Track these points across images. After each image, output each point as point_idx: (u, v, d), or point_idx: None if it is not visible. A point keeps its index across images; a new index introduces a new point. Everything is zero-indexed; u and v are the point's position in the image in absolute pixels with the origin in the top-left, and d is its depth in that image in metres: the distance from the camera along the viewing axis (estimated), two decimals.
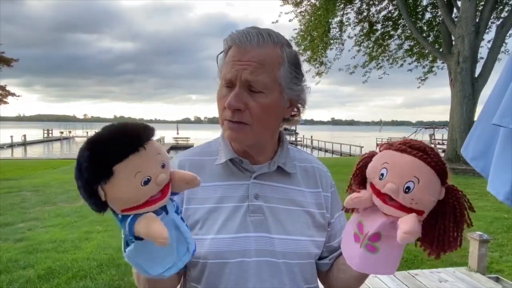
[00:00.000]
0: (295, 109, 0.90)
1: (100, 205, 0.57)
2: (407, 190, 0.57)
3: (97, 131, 0.58)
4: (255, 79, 0.78)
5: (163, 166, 0.59)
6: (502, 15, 14.19)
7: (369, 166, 0.64)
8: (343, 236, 0.74)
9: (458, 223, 0.60)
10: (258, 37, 0.80)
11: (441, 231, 0.60)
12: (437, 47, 15.14)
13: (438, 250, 0.61)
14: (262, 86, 0.79)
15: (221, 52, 0.86)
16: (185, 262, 0.65)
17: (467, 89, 12.51)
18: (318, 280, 0.96)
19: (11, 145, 33.04)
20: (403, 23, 16.64)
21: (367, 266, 0.67)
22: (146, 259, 0.62)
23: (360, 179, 0.68)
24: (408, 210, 0.58)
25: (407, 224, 0.55)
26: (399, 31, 17.27)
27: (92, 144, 0.55)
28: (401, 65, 17.80)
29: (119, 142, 0.55)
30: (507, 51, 14.13)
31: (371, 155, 0.66)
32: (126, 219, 0.58)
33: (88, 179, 0.54)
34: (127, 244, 0.63)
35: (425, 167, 0.57)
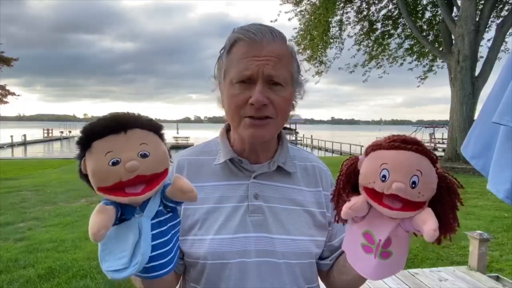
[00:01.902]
0: (293, 102, 0.90)
1: (88, 182, 0.60)
2: (413, 185, 0.57)
3: None
4: (277, 74, 0.79)
5: (143, 156, 0.59)
6: (502, 14, 14.18)
7: (364, 171, 0.62)
8: (349, 250, 0.70)
9: (453, 204, 0.61)
10: (271, 32, 0.81)
11: (442, 215, 0.60)
12: (437, 46, 15.14)
13: (441, 234, 0.60)
14: (282, 80, 0.81)
15: (222, 49, 0.84)
16: (131, 273, 0.59)
17: (467, 88, 12.51)
18: (319, 279, 0.96)
19: (11, 145, 33.04)
20: (403, 22, 16.63)
21: (384, 272, 0.66)
22: (108, 249, 0.60)
23: (347, 187, 0.65)
24: (412, 207, 0.58)
25: (431, 221, 0.56)
26: (399, 30, 17.26)
27: (87, 125, 0.60)
28: (401, 64, 17.80)
29: (104, 123, 0.59)
30: (507, 50, 14.13)
31: (355, 160, 0.65)
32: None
33: (78, 156, 0.60)
34: None
35: (423, 159, 0.59)
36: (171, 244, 0.65)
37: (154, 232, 0.62)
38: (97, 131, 0.59)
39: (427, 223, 0.56)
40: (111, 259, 0.60)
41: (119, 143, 0.58)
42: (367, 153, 0.63)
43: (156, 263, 0.62)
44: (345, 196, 0.64)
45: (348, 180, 0.65)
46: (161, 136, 0.65)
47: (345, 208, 0.62)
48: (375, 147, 0.62)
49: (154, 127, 0.63)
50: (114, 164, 0.57)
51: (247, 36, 0.79)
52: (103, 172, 0.57)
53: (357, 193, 0.64)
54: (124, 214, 0.61)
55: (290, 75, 0.83)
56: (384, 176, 0.59)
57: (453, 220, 0.61)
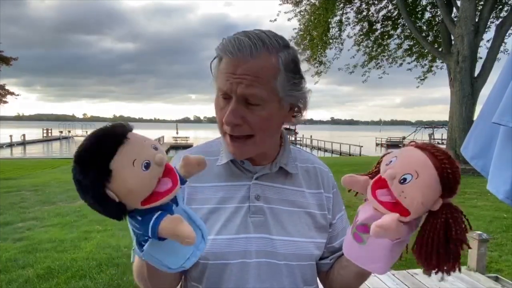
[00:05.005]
0: (296, 109, 0.87)
1: (118, 209, 0.56)
2: (402, 181, 0.56)
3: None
4: (251, 93, 0.75)
5: (155, 149, 0.59)
6: (501, 15, 14.19)
7: (385, 156, 0.64)
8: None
9: (450, 239, 0.56)
10: (251, 46, 0.74)
11: (428, 244, 0.57)
12: (436, 46, 15.13)
13: (428, 264, 0.58)
14: (258, 99, 0.76)
15: (214, 58, 0.82)
16: (202, 250, 0.66)
17: (466, 88, 12.51)
18: (318, 281, 0.96)
19: (11, 145, 32.99)
20: (402, 23, 16.64)
21: (353, 254, 0.68)
22: (166, 253, 0.62)
23: (375, 173, 0.67)
24: (395, 208, 0.57)
25: (383, 219, 0.55)
26: (399, 30, 17.26)
27: (77, 158, 0.55)
28: (401, 64, 17.80)
29: (102, 143, 0.55)
30: (506, 51, 14.14)
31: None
32: (148, 222, 0.57)
33: (93, 188, 0.53)
34: (140, 244, 0.62)
35: (430, 167, 0.56)
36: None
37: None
38: (107, 150, 0.54)
39: (380, 219, 0.55)
40: (176, 256, 0.62)
41: (135, 148, 0.56)
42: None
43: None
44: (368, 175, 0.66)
45: (378, 168, 0.66)
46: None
47: (346, 175, 0.66)
48: (414, 144, 0.63)
49: (127, 126, 0.61)
50: (146, 167, 0.55)
51: (228, 51, 0.76)
52: (144, 180, 0.55)
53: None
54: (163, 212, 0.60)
55: (271, 92, 0.77)
56: (390, 161, 0.60)
57: (442, 253, 0.56)
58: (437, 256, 0.57)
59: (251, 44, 0.75)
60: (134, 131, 0.60)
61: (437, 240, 0.56)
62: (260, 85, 0.76)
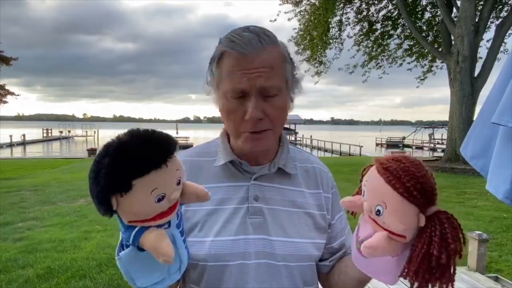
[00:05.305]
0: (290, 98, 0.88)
1: (109, 212, 0.55)
2: (377, 213, 0.56)
3: (118, 134, 0.55)
4: (271, 85, 0.77)
5: (178, 183, 0.59)
6: (501, 15, 14.20)
7: (363, 178, 0.64)
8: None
9: (440, 252, 0.52)
10: (259, 40, 0.76)
11: (413, 258, 0.55)
12: (436, 46, 15.14)
13: (418, 279, 0.55)
14: (276, 89, 0.78)
15: (213, 59, 0.81)
16: (173, 280, 0.64)
17: (466, 88, 12.51)
18: (318, 282, 0.95)
19: (11, 145, 32.99)
20: (402, 23, 16.65)
21: (361, 266, 0.69)
22: (137, 268, 0.61)
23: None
24: (385, 229, 0.57)
25: (372, 239, 0.56)
26: (399, 30, 17.28)
27: (115, 151, 0.52)
28: (401, 64, 17.82)
29: (143, 156, 0.52)
30: (506, 51, 14.14)
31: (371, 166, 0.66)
32: (132, 229, 0.57)
33: (105, 187, 0.52)
34: (122, 247, 0.62)
35: (393, 193, 0.54)
36: (186, 243, 0.68)
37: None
38: (142, 167, 0.52)
39: (371, 239, 0.56)
40: (146, 276, 0.61)
41: (163, 179, 0.55)
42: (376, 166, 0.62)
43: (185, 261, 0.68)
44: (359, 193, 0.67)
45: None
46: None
47: (344, 199, 0.67)
48: (377, 162, 0.60)
49: (175, 145, 0.59)
50: (159, 200, 0.55)
51: (234, 48, 0.76)
52: (149, 210, 0.55)
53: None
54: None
55: (284, 81, 0.81)
56: (363, 192, 0.61)
57: (427, 268, 0.53)
58: (422, 273, 0.54)
59: (258, 38, 0.76)
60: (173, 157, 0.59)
61: (422, 257, 0.54)
62: (276, 75, 0.78)
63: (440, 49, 14.43)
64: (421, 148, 36.85)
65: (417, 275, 0.54)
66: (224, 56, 0.78)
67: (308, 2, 16.50)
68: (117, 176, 0.51)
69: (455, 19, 13.12)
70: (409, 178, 0.53)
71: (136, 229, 0.56)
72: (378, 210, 0.56)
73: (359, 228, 0.67)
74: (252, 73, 0.75)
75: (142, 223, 0.56)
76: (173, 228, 0.62)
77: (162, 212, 0.57)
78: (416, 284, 0.55)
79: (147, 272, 0.61)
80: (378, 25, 17.56)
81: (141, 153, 0.52)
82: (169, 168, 0.55)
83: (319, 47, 16.96)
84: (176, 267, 0.64)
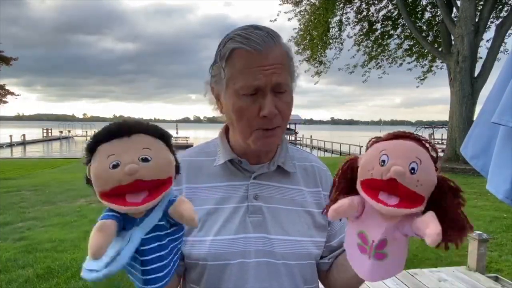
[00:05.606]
0: None
1: (89, 181, 0.60)
2: (412, 171, 0.55)
3: (96, 130, 0.64)
4: (283, 80, 0.78)
5: (144, 160, 0.58)
6: (501, 15, 14.19)
7: (363, 160, 0.60)
8: (348, 249, 0.69)
9: (459, 202, 0.57)
10: (270, 37, 0.77)
11: (449, 216, 0.56)
12: (436, 46, 15.14)
13: (454, 237, 0.56)
14: (286, 85, 0.80)
15: (218, 56, 0.81)
16: (97, 276, 0.58)
17: (466, 88, 12.51)
18: (319, 281, 0.95)
19: (11, 145, 32.99)
20: (402, 23, 16.64)
21: (379, 275, 0.63)
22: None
23: (344, 186, 0.64)
24: (408, 204, 0.55)
25: (433, 224, 0.53)
26: (399, 30, 17.27)
27: (96, 132, 0.62)
28: (401, 64, 17.81)
29: (109, 128, 0.60)
30: (506, 51, 14.14)
31: (355, 158, 0.64)
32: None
33: (86, 159, 0.61)
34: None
35: (423, 150, 0.57)
36: (168, 258, 0.64)
37: (152, 245, 0.62)
38: (102, 136, 0.60)
39: (430, 226, 0.52)
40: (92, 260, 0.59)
41: (121, 147, 0.59)
42: (367, 148, 0.63)
43: (154, 276, 0.62)
44: (339, 197, 0.63)
45: (345, 178, 0.64)
46: (169, 145, 0.64)
47: (332, 210, 0.61)
48: (375, 140, 0.62)
49: (161, 134, 0.63)
50: (114, 167, 0.57)
51: (249, 45, 0.75)
52: (103, 174, 0.57)
53: (356, 193, 0.62)
54: (125, 227, 0.60)
55: (291, 77, 0.83)
56: (383, 161, 0.57)
57: (465, 218, 0.57)
58: (464, 216, 0.57)
59: (267, 35, 0.78)
60: (141, 134, 0.61)
61: (456, 204, 0.57)
62: (285, 71, 0.79)
63: (440, 49, 14.43)
64: None
65: (466, 225, 0.57)
66: (235, 54, 0.77)
67: (308, 2, 16.50)
68: (88, 144, 0.61)
69: (455, 19, 13.11)
70: (422, 140, 0.59)
71: (101, 215, 0.59)
72: (413, 168, 0.55)
73: (364, 236, 0.63)
74: (267, 70, 0.76)
75: (109, 201, 0.57)
76: (138, 230, 0.60)
77: (120, 185, 0.57)
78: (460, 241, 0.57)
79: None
80: (378, 25, 17.56)
81: (112, 127, 0.60)
82: (132, 140, 0.59)
83: (319, 47, 16.96)
84: (111, 265, 0.59)
